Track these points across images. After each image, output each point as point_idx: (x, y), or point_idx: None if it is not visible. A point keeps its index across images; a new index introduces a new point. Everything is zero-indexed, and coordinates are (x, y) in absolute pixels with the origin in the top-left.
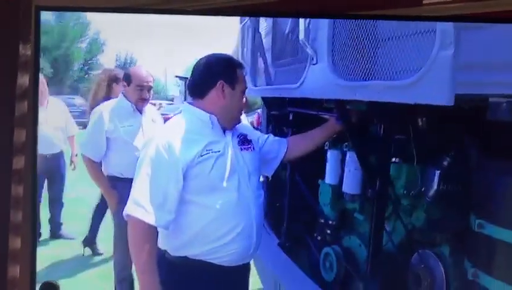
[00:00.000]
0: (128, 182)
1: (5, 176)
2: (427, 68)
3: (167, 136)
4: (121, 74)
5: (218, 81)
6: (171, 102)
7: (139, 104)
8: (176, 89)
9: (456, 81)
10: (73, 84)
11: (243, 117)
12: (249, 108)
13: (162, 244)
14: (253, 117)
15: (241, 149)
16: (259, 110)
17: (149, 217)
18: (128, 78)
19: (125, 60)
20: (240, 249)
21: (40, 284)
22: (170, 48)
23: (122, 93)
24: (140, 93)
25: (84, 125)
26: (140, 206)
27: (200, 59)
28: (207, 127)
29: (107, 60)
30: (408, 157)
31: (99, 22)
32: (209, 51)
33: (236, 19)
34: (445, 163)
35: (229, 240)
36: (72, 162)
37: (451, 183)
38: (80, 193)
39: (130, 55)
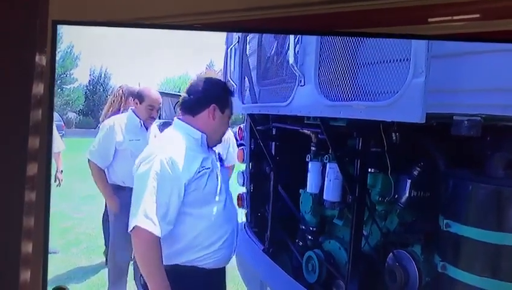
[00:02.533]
0: (129, 191)
1: (19, 183)
2: (402, 92)
3: (169, 152)
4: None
5: (212, 104)
6: None
7: (148, 121)
8: None
9: (426, 102)
10: None
11: (228, 130)
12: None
13: None
14: (234, 130)
15: (221, 166)
16: (241, 125)
17: (157, 229)
18: (141, 97)
19: (99, 74)
20: (225, 254)
21: (51, 289)
22: (145, 62)
23: (132, 109)
24: (151, 112)
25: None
26: (149, 218)
27: (198, 79)
28: (197, 145)
29: (81, 75)
30: (383, 167)
31: (72, 35)
32: (185, 66)
33: (215, 37)
34: (416, 172)
35: (218, 247)
36: (57, 178)
37: (421, 190)
38: (62, 207)
39: (105, 70)
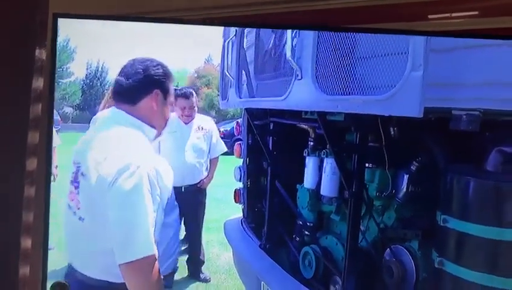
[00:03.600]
0: None
1: (18, 178)
2: (400, 86)
3: (150, 162)
4: None
5: (154, 90)
6: None
7: None
8: None
9: (424, 97)
10: None
11: (212, 123)
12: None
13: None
14: (231, 125)
15: None
16: (239, 120)
17: (156, 252)
18: None
19: (96, 68)
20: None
21: (51, 284)
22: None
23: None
24: None
25: None
26: (154, 244)
27: (135, 60)
28: (149, 143)
29: (78, 69)
30: (381, 162)
31: (69, 29)
32: (183, 60)
33: (213, 31)
34: (413, 168)
35: (176, 251)
36: (52, 173)
37: (419, 185)
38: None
39: (102, 64)
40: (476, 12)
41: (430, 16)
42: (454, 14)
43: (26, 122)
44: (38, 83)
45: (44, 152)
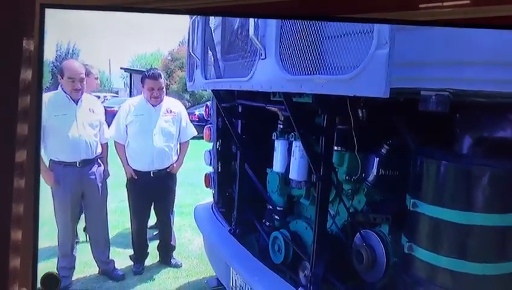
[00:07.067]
0: (63, 165)
1: (8, 170)
2: (365, 64)
3: None
4: (91, 68)
5: None
6: (115, 94)
7: (73, 94)
8: (120, 81)
9: (391, 76)
10: None
11: (181, 106)
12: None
13: None
14: (202, 109)
15: None
16: (208, 102)
17: None
18: (61, 72)
19: (66, 50)
20: None
21: (42, 275)
22: (116, 39)
23: (60, 85)
24: (73, 84)
25: None
26: None
27: None
28: None
29: (47, 50)
30: (350, 145)
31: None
32: (157, 43)
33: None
34: (383, 151)
35: None
36: None
37: (389, 169)
38: None
39: (72, 46)
40: (468, 1)
41: (420, 5)
42: (445, 3)
43: (15, 114)
44: (26, 74)
45: (33, 143)
